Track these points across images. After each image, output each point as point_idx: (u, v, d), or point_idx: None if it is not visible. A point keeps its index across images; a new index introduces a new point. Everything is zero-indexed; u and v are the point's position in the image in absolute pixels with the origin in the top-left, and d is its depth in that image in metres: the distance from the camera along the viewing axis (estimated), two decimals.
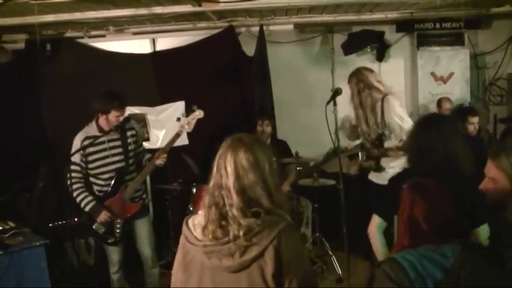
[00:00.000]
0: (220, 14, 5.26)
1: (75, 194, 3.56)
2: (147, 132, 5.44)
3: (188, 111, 3.71)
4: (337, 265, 4.55)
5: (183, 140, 5.00)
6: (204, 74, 5.37)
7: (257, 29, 5.58)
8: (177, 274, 1.81)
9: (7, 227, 3.51)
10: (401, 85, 6.00)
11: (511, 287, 1.55)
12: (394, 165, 3.73)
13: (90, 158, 3.59)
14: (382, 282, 1.55)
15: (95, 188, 3.68)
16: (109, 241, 3.66)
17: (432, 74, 5.93)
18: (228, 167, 1.68)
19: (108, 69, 5.35)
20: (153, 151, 4.12)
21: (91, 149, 3.57)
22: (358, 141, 4.18)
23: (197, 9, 4.54)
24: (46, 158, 4.89)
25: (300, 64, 6.07)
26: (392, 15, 5.55)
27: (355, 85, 4.00)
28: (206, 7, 4.55)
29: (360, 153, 4.04)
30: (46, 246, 3.38)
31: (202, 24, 5.58)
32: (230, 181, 1.67)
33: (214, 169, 1.73)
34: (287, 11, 5.29)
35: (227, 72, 5.47)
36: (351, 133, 4.23)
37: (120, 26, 5.47)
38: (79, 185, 3.57)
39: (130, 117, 3.84)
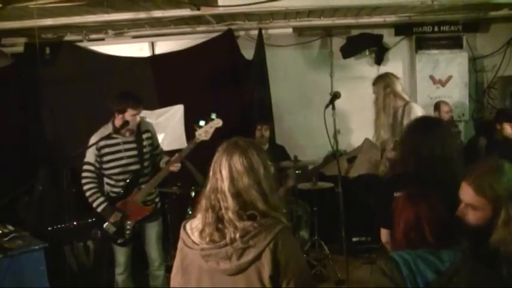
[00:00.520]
0: (219, 18, 5.27)
1: (88, 193, 3.57)
2: None
3: (206, 119, 3.64)
4: (335, 268, 4.54)
5: (181, 144, 5.01)
6: (203, 77, 5.38)
7: (256, 32, 5.60)
8: (175, 278, 1.83)
9: (6, 230, 3.53)
10: None
11: None
12: None
13: (105, 159, 3.61)
14: (376, 276, 1.66)
15: (108, 188, 3.69)
16: (118, 241, 3.67)
17: (431, 77, 5.95)
18: (223, 171, 1.70)
19: (108, 73, 5.35)
20: None
21: (106, 150, 3.59)
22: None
23: (196, 13, 4.55)
24: (45, 161, 4.90)
25: (298, 67, 6.07)
26: (390, 18, 5.56)
27: (382, 89, 4.04)
28: (205, 11, 4.56)
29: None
30: (45, 249, 3.39)
31: (201, 27, 5.59)
32: (225, 184, 1.69)
33: (210, 173, 1.75)
34: (286, 14, 5.29)
35: (226, 75, 5.48)
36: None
37: (119, 30, 5.47)
38: (92, 185, 3.58)
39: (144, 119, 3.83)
